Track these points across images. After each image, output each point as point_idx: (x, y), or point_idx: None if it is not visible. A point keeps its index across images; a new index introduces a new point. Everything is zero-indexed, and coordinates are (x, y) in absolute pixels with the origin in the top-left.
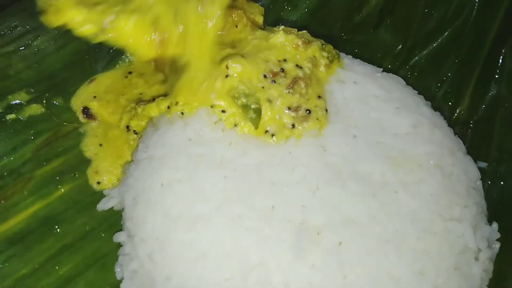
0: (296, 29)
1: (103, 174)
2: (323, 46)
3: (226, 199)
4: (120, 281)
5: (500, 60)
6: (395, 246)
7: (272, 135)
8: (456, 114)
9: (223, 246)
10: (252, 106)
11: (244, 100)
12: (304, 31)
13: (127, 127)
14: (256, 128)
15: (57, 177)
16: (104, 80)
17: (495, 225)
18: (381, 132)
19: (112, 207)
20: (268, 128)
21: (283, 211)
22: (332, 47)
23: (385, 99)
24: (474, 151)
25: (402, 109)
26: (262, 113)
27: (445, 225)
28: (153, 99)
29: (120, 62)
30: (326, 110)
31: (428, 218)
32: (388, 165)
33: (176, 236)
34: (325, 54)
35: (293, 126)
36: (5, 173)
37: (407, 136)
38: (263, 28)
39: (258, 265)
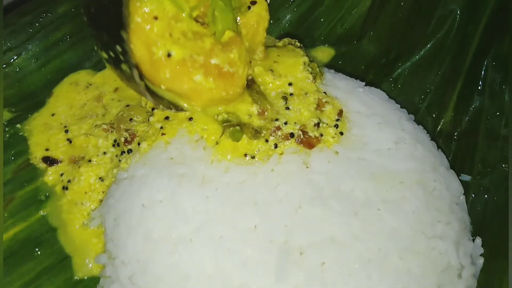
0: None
1: None
2: (310, 63)
3: (208, 220)
4: None
5: (482, 72)
6: (378, 266)
7: (253, 157)
8: (440, 127)
9: (205, 269)
10: (233, 121)
11: (225, 116)
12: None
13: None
14: (238, 141)
15: (38, 198)
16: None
17: (478, 240)
18: (362, 148)
19: None
20: (247, 153)
21: (265, 231)
22: (316, 65)
23: (367, 115)
24: (458, 164)
25: (384, 125)
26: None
27: (427, 243)
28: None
29: None
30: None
31: (411, 236)
32: (370, 183)
33: (157, 258)
34: (309, 69)
35: (276, 146)
36: None
37: (389, 152)
38: None
39: (240, 287)
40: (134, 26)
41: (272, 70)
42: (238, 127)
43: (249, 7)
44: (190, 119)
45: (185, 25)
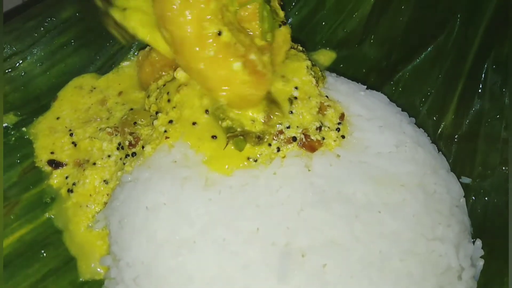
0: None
1: None
2: (312, 67)
3: (210, 222)
4: None
5: (483, 75)
6: (378, 268)
7: (255, 161)
8: (440, 129)
9: (208, 271)
10: (238, 129)
11: (229, 122)
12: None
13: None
14: (241, 150)
15: (43, 201)
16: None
17: (478, 242)
18: (363, 151)
19: None
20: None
21: (267, 233)
22: (318, 68)
23: (368, 118)
24: (458, 166)
25: (385, 128)
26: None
27: (427, 245)
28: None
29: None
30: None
31: (411, 239)
32: (370, 185)
33: (161, 260)
34: (312, 73)
35: (278, 149)
36: None
37: (390, 155)
38: None
39: None
40: (192, 1)
41: (283, 76)
42: (241, 137)
43: (280, 25)
44: (194, 123)
45: (232, 18)
